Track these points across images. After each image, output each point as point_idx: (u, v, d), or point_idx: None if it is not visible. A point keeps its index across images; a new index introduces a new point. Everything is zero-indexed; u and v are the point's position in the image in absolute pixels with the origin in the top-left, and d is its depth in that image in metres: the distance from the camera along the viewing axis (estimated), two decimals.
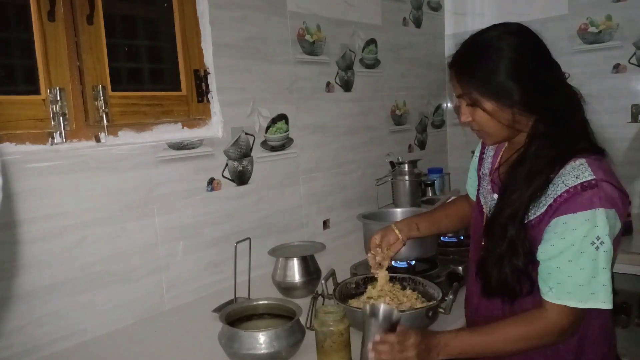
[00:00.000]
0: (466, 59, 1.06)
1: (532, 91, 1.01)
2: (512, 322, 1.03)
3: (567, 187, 0.98)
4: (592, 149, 1.03)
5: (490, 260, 1.07)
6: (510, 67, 1.00)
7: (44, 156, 1.30)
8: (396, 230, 1.34)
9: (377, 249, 1.34)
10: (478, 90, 1.03)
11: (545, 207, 1.00)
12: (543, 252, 1.01)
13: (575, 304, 0.97)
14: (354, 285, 1.45)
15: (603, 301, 0.96)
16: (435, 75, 2.94)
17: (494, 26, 1.06)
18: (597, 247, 0.95)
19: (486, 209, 1.18)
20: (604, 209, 0.95)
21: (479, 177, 1.27)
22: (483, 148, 1.29)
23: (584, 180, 0.97)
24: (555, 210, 0.99)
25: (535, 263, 1.03)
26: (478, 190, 1.26)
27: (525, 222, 1.03)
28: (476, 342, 1.03)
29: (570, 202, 0.97)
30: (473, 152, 1.34)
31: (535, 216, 1.02)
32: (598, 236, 0.95)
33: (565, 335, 1.01)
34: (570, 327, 1.00)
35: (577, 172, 0.98)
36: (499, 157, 1.20)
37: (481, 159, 1.28)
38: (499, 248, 1.05)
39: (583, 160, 0.99)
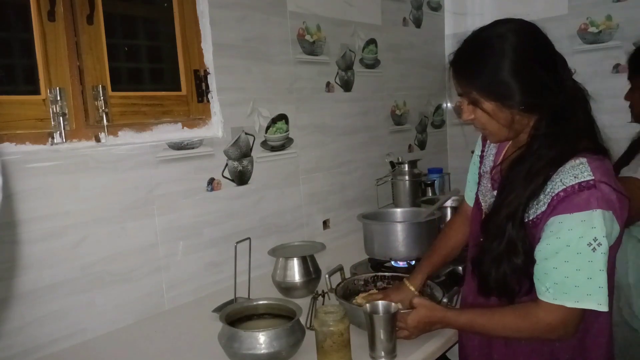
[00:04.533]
0: (465, 58, 1.05)
1: (531, 92, 1.00)
2: (508, 312, 1.06)
3: (565, 186, 0.96)
4: (595, 149, 1.02)
5: (487, 259, 1.06)
6: (510, 69, 0.99)
7: (44, 156, 1.30)
8: (412, 288, 1.34)
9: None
10: (477, 90, 1.02)
11: (545, 205, 0.99)
12: (539, 251, 1.00)
13: (572, 304, 0.96)
14: (362, 282, 1.46)
15: (599, 303, 0.95)
16: (435, 75, 2.93)
17: (495, 23, 1.05)
18: (594, 249, 0.93)
19: (485, 206, 1.17)
20: (601, 210, 0.93)
21: (480, 176, 1.26)
22: (483, 147, 1.28)
23: (582, 180, 0.95)
24: (553, 208, 0.97)
25: (534, 262, 1.02)
26: (478, 188, 1.25)
27: (526, 220, 1.02)
28: (475, 322, 1.10)
29: (567, 201, 0.95)
30: (473, 152, 1.33)
31: (535, 215, 1.01)
32: (595, 237, 0.93)
33: (557, 334, 1.00)
34: (563, 327, 0.98)
35: (575, 171, 0.97)
36: (501, 155, 1.19)
37: (482, 157, 1.27)
38: (496, 247, 1.04)
39: (584, 160, 0.98)
